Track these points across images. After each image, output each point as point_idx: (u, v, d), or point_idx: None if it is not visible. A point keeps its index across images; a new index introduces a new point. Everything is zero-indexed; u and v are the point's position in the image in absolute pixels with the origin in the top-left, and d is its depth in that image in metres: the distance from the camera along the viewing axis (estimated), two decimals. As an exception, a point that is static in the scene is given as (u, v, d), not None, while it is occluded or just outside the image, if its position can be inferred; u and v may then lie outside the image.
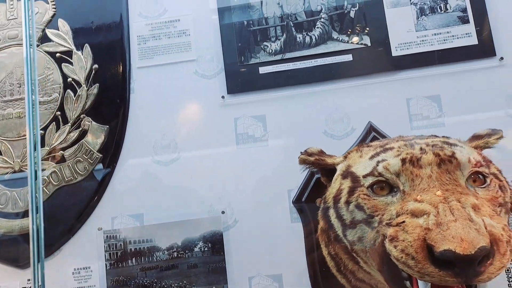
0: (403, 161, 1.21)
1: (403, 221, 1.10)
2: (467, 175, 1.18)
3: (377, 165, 1.24)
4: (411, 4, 1.59)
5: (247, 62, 1.63)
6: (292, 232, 1.51)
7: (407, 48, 1.57)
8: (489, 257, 1.00)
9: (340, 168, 1.38)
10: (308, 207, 1.51)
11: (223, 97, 1.63)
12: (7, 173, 1.67)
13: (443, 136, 1.36)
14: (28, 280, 1.61)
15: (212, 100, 1.63)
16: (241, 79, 1.62)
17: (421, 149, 1.24)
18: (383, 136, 1.50)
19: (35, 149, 1.49)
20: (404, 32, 1.57)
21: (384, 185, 1.22)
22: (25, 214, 1.64)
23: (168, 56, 1.68)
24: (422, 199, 1.12)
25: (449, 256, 0.98)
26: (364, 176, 1.26)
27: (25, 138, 1.66)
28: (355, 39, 1.60)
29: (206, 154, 1.61)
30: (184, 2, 1.71)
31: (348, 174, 1.32)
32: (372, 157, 1.29)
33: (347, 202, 1.27)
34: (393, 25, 1.59)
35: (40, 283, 1.42)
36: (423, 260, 1.03)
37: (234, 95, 1.63)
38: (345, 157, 1.42)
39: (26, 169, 1.66)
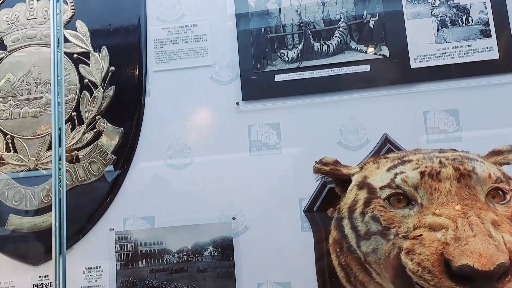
0: (422, 174, 1.20)
1: (421, 235, 1.10)
2: (487, 191, 1.18)
3: (395, 177, 1.25)
4: (432, 16, 1.57)
5: (263, 69, 1.62)
6: (302, 241, 1.51)
7: (427, 60, 1.55)
8: (507, 274, 1.00)
9: (355, 179, 1.38)
10: (319, 217, 1.50)
11: (237, 103, 1.62)
12: (22, 171, 1.69)
13: (462, 151, 1.35)
14: (40, 276, 1.63)
15: (227, 106, 1.63)
16: (257, 86, 1.61)
17: (440, 162, 1.23)
18: (398, 149, 1.49)
19: (59, 146, 1.50)
20: (424, 44, 1.55)
21: (402, 198, 1.22)
22: (37, 212, 1.66)
23: (184, 60, 1.68)
24: (440, 213, 1.12)
25: (467, 271, 0.98)
26: (381, 188, 1.26)
27: (41, 137, 1.69)
28: (374, 49, 1.58)
29: (219, 160, 1.61)
30: (201, 7, 1.71)
31: (364, 185, 1.32)
32: (389, 169, 1.29)
33: (363, 213, 1.28)
34: (413, 36, 1.56)
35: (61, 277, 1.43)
36: (440, 274, 1.03)
37: (249, 102, 1.62)
38: (361, 168, 1.42)
39: (41, 167, 1.68)
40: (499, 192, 1.19)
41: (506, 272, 0.99)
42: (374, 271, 1.29)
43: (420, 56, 1.55)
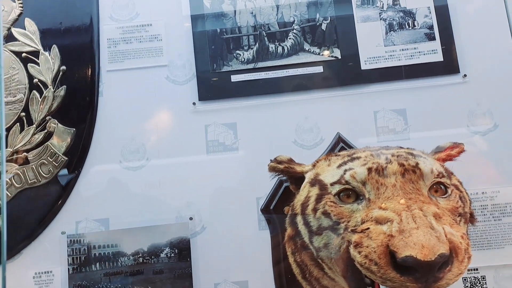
0: (369, 170, 1.25)
1: (368, 228, 1.13)
2: (429, 185, 1.23)
3: (344, 174, 1.28)
4: (380, 19, 1.64)
5: (219, 70, 1.63)
6: (259, 240, 1.53)
7: (376, 62, 1.61)
8: (448, 263, 1.05)
9: (308, 176, 1.42)
10: (276, 215, 1.52)
11: (194, 103, 1.62)
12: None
13: (408, 148, 1.41)
14: (-14, 285, 1.56)
15: (183, 107, 1.63)
16: (213, 86, 1.62)
17: (386, 159, 1.28)
18: (351, 147, 1.54)
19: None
20: (373, 46, 1.62)
21: (351, 193, 1.26)
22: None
23: (139, 60, 1.66)
24: (386, 207, 1.16)
25: (410, 262, 1.02)
26: (332, 184, 1.29)
27: (-14, 138, 1.62)
28: (326, 51, 1.63)
29: (175, 160, 1.60)
30: (156, 7, 1.70)
31: (316, 181, 1.35)
32: (339, 166, 1.33)
33: (315, 209, 1.30)
34: (363, 39, 1.63)
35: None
36: (386, 265, 1.07)
37: (206, 102, 1.63)
38: (314, 165, 1.45)
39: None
40: (441, 186, 1.25)
41: (447, 261, 1.04)
42: (326, 266, 1.33)
43: (370, 58, 1.61)
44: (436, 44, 1.60)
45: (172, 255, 1.53)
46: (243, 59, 1.63)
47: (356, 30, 1.63)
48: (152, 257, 1.53)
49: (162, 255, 1.53)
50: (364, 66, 1.61)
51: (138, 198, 1.58)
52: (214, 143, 1.60)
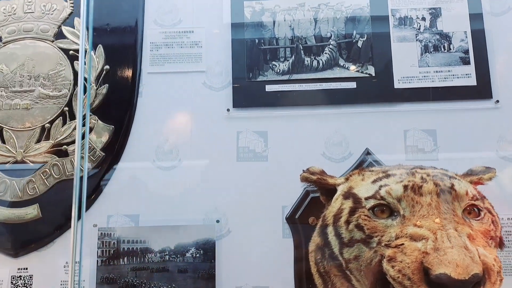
0: (405, 187, 1.29)
1: (402, 244, 1.18)
2: (464, 207, 1.27)
3: (380, 189, 1.32)
4: (416, 40, 1.66)
5: (255, 79, 1.67)
6: (282, 247, 1.55)
7: (409, 82, 1.63)
8: (480, 284, 1.09)
9: (341, 189, 1.45)
10: (300, 225, 1.55)
11: (228, 110, 1.67)
12: (8, 162, 1.70)
13: (441, 168, 1.44)
14: (18, 268, 1.63)
15: (217, 112, 1.68)
16: (248, 94, 1.67)
17: (422, 178, 1.32)
18: (379, 163, 1.57)
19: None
20: (408, 66, 1.64)
21: (385, 209, 1.30)
22: (21, 204, 1.66)
23: (178, 65, 1.72)
24: (421, 225, 1.21)
25: (444, 279, 1.06)
26: (366, 198, 1.33)
27: (30, 129, 1.70)
28: (361, 68, 1.66)
29: (206, 164, 1.65)
30: (199, 14, 1.76)
31: (350, 195, 1.39)
32: (374, 181, 1.37)
33: (347, 222, 1.34)
34: (398, 58, 1.65)
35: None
36: (419, 281, 1.11)
37: (239, 109, 1.67)
38: (347, 178, 1.49)
39: (28, 160, 1.69)
40: (475, 209, 1.28)
41: (479, 282, 1.08)
42: (354, 278, 1.35)
43: (403, 77, 1.64)
44: (471, 69, 1.62)
45: (197, 255, 1.56)
46: (278, 70, 1.67)
47: (391, 49, 1.66)
48: (178, 255, 1.57)
49: (188, 254, 1.57)
50: (397, 85, 1.63)
51: (168, 198, 1.63)
52: (245, 149, 1.64)
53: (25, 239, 1.65)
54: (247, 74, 1.68)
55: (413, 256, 1.14)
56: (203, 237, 1.58)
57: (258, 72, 1.68)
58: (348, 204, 1.37)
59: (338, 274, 1.40)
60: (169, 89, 1.71)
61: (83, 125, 1.67)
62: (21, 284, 1.61)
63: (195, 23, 1.75)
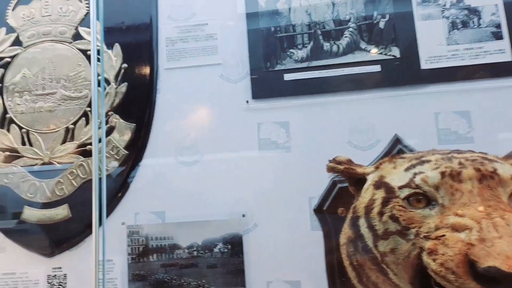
0: (443, 174, 1.21)
1: (443, 235, 1.11)
2: (509, 193, 1.17)
3: (414, 177, 1.25)
4: (443, 17, 1.56)
5: (273, 68, 1.63)
6: (312, 240, 1.52)
7: (437, 62, 1.54)
8: None
9: (371, 178, 1.39)
10: (329, 216, 1.51)
11: (247, 101, 1.64)
12: (36, 164, 1.73)
13: (480, 152, 1.35)
14: (53, 268, 1.68)
15: (236, 104, 1.65)
16: (266, 84, 1.62)
17: (460, 163, 1.24)
18: (410, 150, 1.49)
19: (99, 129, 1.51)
20: (435, 45, 1.55)
21: (421, 198, 1.22)
22: (51, 205, 1.70)
23: (195, 58, 1.70)
24: (463, 214, 1.12)
25: (494, 273, 0.99)
26: (400, 188, 1.26)
27: (55, 131, 1.73)
28: (384, 50, 1.58)
29: (228, 157, 1.63)
30: (212, 6, 1.72)
31: (381, 184, 1.33)
32: (408, 169, 1.30)
33: (381, 213, 1.28)
34: (424, 37, 1.56)
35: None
36: (464, 275, 1.04)
37: (259, 100, 1.63)
38: (377, 167, 1.42)
39: (55, 161, 1.72)
40: (522, 194, 1.18)
41: None
42: (391, 271, 1.29)
43: (430, 57, 1.54)
44: (504, 43, 1.51)
45: (225, 250, 1.56)
46: (297, 58, 1.62)
47: (416, 28, 1.57)
48: (206, 251, 1.57)
49: (216, 250, 1.56)
50: (424, 65, 1.54)
51: (192, 193, 1.63)
52: (266, 141, 1.61)
53: (57, 239, 1.68)
54: (265, 64, 1.63)
55: (456, 248, 1.06)
56: (230, 232, 1.57)
57: (276, 61, 1.63)
58: (380, 194, 1.30)
59: (373, 268, 1.34)
60: (187, 84, 1.70)
61: (106, 123, 1.70)
62: (56, 283, 1.65)
63: (209, 16, 1.72)
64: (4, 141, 1.76)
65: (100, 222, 1.51)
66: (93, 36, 1.57)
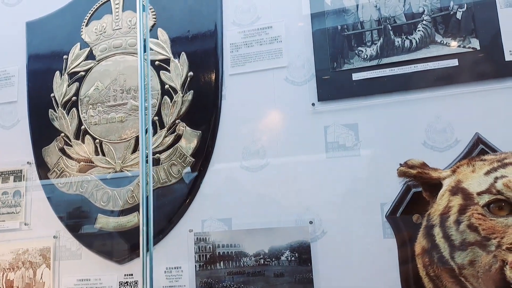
0: None
1: None
2: None
3: (495, 182, 1.17)
4: (530, 2, 1.43)
5: (340, 68, 1.57)
6: (384, 249, 1.44)
7: (524, 52, 1.40)
8: None
9: (447, 183, 1.31)
10: (403, 223, 1.42)
11: (313, 104, 1.59)
12: (109, 173, 1.80)
13: None
14: (125, 274, 1.72)
15: (302, 107, 1.61)
16: (333, 86, 1.57)
17: None
18: (493, 150, 1.36)
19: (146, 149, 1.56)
20: (521, 34, 1.41)
21: (504, 205, 1.14)
22: (123, 212, 1.75)
23: (259, 63, 1.69)
24: None
25: None
26: (479, 194, 1.18)
27: (126, 140, 1.79)
28: (462, 42, 1.46)
29: (294, 162, 1.59)
30: (276, 9, 1.71)
31: (458, 190, 1.25)
32: (488, 173, 1.21)
33: (457, 222, 1.20)
34: (507, 26, 1.43)
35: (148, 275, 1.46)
36: None
37: (325, 102, 1.58)
38: (453, 171, 1.33)
39: (126, 169, 1.78)
40: None
41: None
42: (471, 285, 1.20)
43: (516, 47, 1.41)
44: None
45: (293, 258, 1.52)
46: (365, 56, 1.55)
47: (498, 16, 1.44)
48: (273, 259, 1.53)
49: (283, 258, 1.52)
50: (509, 57, 1.41)
51: (258, 199, 1.61)
52: (334, 145, 1.55)
53: (128, 246, 1.73)
54: (331, 64, 1.58)
55: None
56: (297, 239, 1.53)
57: (343, 60, 1.57)
58: (457, 201, 1.22)
59: (451, 280, 1.25)
60: (252, 89, 1.69)
61: (173, 132, 1.72)
62: (128, 289, 1.69)
63: (274, 18, 1.71)
64: (79, 152, 1.85)
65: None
66: (140, 46, 1.59)
